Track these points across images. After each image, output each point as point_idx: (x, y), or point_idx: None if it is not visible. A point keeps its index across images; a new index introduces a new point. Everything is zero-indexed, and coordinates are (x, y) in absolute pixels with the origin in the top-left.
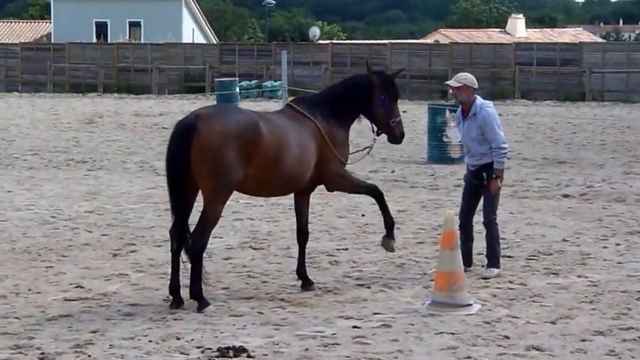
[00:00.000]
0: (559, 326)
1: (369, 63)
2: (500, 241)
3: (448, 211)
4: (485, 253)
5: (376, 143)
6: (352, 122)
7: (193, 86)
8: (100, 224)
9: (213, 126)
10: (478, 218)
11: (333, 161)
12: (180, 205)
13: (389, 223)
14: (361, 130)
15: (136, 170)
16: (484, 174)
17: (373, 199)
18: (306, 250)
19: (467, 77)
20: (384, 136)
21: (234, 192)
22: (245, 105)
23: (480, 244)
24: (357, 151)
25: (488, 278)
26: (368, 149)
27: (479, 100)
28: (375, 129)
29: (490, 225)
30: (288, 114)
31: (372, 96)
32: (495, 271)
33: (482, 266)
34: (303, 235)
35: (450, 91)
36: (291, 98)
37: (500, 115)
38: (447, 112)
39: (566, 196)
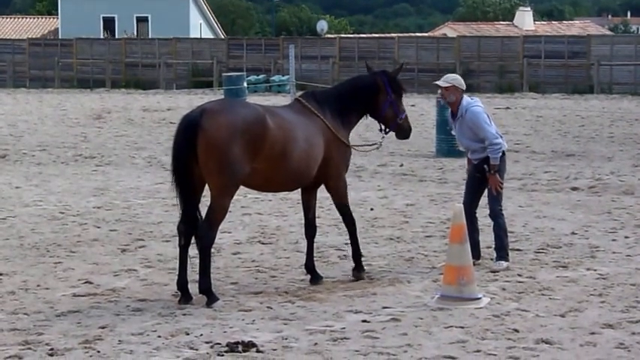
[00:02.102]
0: (568, 319)
1: (368, 63)
2: (509, 234)
3: (457, 204)
4: (493, 245)
5: (387, 138)
6: (356, 123)
7: (201, 81)
8: (109, 220)
9: (219, 121)
10: (486, 212)
11: (339, 161)
12: (186, 200)
13: (356, 258)
14: (368, 124)
15: (144, 165)
16: (486, 166)
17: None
18: (315, 245)
19: (455, 78)
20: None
21: (243, 187)
22: (253, 100)
23: (488, 237)
24: (365, 144)
25: (497, 271)
26: (376, 146)
27: (465, 100)
28: (384, 128)
29: (496, 216)
30: (296, 109)
31: (379, 97)
32: (504, 264)
33: (492, 259)
34: (311, 229)
35: (439, 91)
36: (300, 93)
37: (508, 108)
38: None
39: (574, 188)
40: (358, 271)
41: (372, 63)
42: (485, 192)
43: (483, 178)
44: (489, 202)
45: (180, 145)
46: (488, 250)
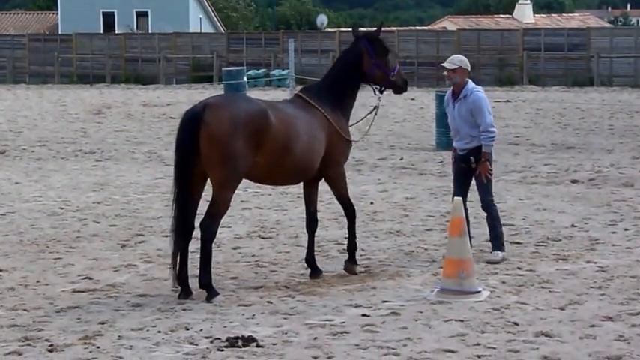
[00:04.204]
0: (568, 312)
1: (356, 28)
2: (510, 227)
3: (456, 198)
4: (488, 237)
5: (383, 131)
6: (354, 101)
7: (201, 75)
8: (109, 215)
9: (222, 115)
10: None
11: (339, 153)
12: (186, 196)
13: (351, 249)
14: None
15: (144, 160)
16: (472, 158)
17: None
18: (315, 239)
19: (462, 60)
20: (388, 124)
21: (243, 181)
22: (253, 94)
23: (485, 230)
24: (365, 116)
25: (493, 262)
26: (375, 109)
27: (470, 83)
28: (378, 88)
29: (488, 207)
30: (297, 103)
31: (364, 63)
32: (500, 254)
33: (489, 251)
34: (312, 223)
35: (445, 72)
36: (300, 87)
37: (508, 101)
38: None
39: (574, 181)
40: (351, 262)
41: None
42: (475, 184)
43: (469, 168)
44: (480, 193)
45: (183, 139)
46: (487, 243)
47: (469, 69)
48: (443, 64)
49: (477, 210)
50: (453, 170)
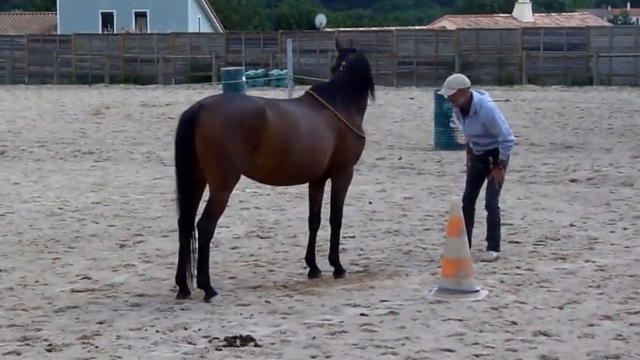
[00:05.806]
0: (566, 311)
1: (338, 39)
2: (509, 226)
3: (454, 197)
4: (485, 237)
5: (381, 131)
6: (366, 107)
7: (200, 76)
8: (107, 215)
9: (216, 115)
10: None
11: (351, 152)
12: (188, 197)
13: (335, 261)
14: None
15: (143, 161)
16: (490, 158)
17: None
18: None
19: (458, 80)
20: (387, 123)
21: (241, 181)
22: (252, 94)
23: (485, 230)
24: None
25: (488, 261)
26: None
27: (476, 96)
28: None
29: (492, 208)
30: (305, 102)
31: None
32: (494, 254)
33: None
34: (316, 222)
35: (446, 97)
36: (311, 86)
37: (507, 100)
38: None
39: (573, 180)
40: (339, 274)
41: (369, 56)
42: (485, 184)
43: (485, 169)
44: (487, 194)
45: (181, 141)
46: (484, 243)
47: (468, 85)
48: (441, 93)
49: (477, 210)
50: (468, 170)
